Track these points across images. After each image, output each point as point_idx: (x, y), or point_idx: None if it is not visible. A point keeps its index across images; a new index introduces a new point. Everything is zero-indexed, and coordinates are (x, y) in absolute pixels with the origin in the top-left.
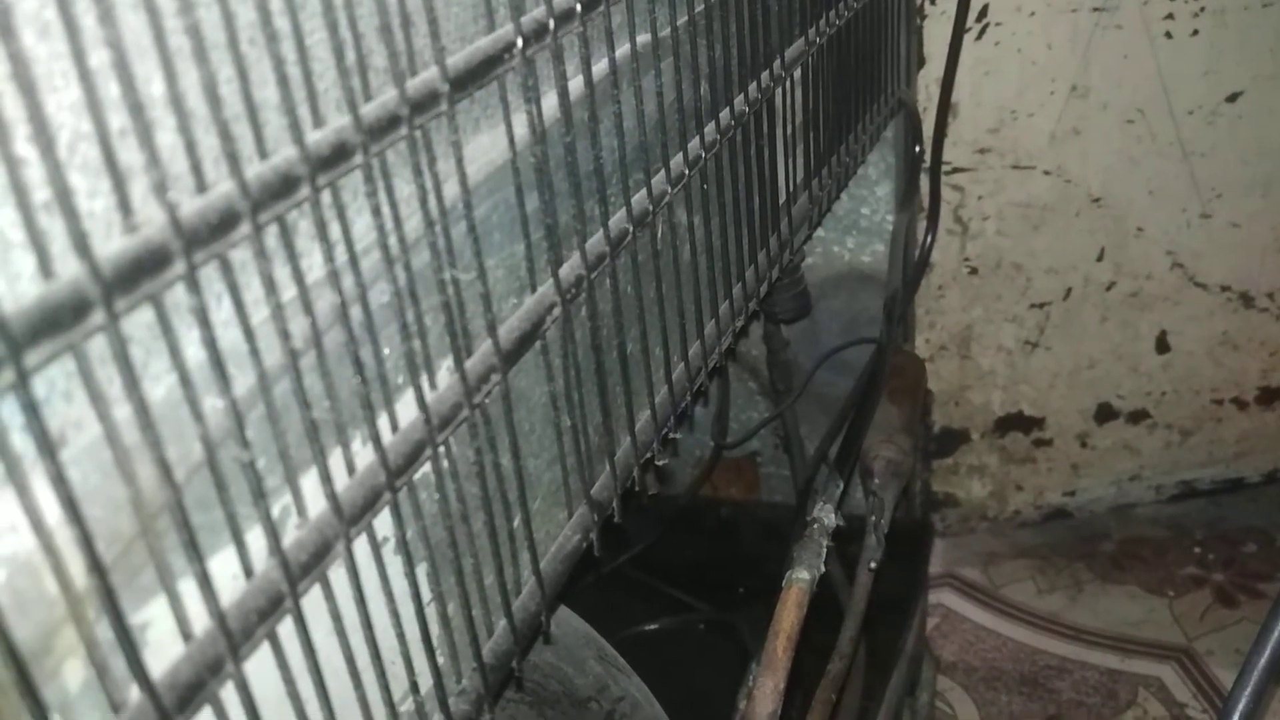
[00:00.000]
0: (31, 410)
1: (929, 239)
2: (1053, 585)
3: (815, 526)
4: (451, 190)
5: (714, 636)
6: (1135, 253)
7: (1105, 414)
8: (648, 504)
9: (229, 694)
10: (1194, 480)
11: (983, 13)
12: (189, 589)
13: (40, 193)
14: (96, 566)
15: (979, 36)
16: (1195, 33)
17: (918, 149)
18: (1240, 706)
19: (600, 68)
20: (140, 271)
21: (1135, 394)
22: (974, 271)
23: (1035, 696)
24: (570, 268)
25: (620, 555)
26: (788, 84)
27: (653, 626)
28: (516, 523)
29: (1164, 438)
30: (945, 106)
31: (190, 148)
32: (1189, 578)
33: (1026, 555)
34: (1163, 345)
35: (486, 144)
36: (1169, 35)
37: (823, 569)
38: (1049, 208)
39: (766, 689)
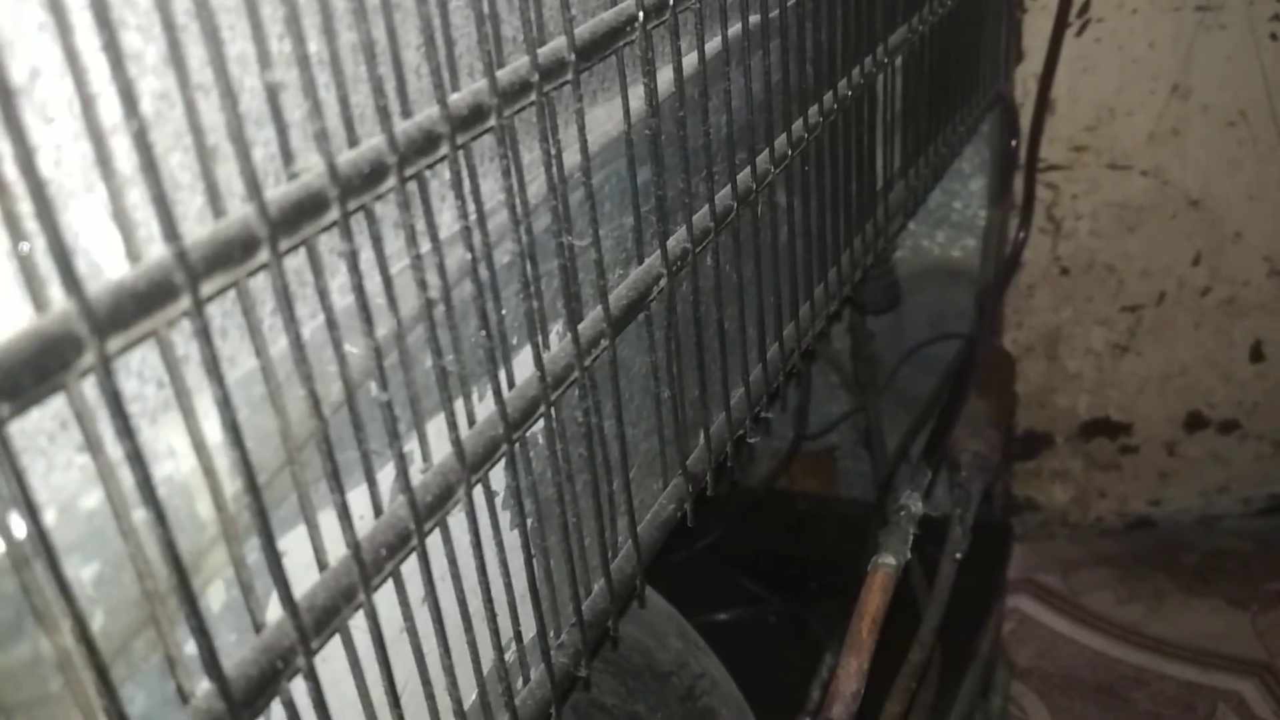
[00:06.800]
0: (205, 337)
1: (1021, 236)
2: (1133, 595)
3: (902, 514)
4: (570, 159)
5: (784, 629)
6: (1232, 258)
7: (1195, 422)
8: (724, 493)
9: (356, 622)
10: None
11: (1084, 8)
12: (321, 523)
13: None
14: (253, 486)
15: (1080, 32)
16: None
17: (1013, 144)
18: None
19: (711, 46)
20: (301, 215)
21: (1227, 403)
22: (1065, 272)
23: (1111, 706)
24: (676, 241)
25: (695, 543)
26: (889, 71)
27: (724, 616)
28: (616, 486)
29: (1255, 449)
30: (1043, 102)
31: (344, 103)
32: (1274, 593)
33: (1107, 564)
34: (1257, 354)
35: (601, 116)
36: (1274, 37)
37: (908, 555)
38: (1145, 209)
39: (851, 668)
